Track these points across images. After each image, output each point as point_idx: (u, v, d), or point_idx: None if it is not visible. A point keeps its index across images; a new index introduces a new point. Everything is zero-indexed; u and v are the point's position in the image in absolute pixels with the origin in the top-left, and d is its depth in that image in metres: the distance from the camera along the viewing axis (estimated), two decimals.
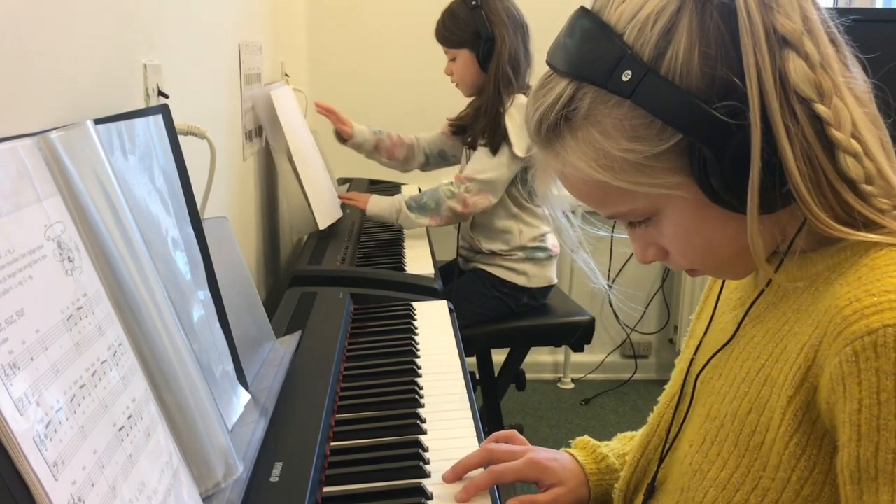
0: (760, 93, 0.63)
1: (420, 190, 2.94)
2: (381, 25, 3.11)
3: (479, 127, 2.21)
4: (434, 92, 3.12)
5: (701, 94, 0.64)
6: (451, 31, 2.23)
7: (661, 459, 0.86)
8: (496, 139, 2.15)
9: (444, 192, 2.21)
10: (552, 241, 2.33)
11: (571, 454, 1.02)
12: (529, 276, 2.30)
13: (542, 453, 1.00)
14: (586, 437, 1.05)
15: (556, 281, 2.38)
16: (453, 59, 2.27)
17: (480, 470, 0.97)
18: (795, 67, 0.64)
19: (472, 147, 2.26)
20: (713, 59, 0.64)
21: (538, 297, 2.35)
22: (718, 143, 0.64)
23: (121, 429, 0.65)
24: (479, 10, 2.15)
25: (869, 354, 0.59)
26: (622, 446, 1.04)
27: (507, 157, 2.16)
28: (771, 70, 0.63)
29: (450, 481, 0.97)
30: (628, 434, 1.06)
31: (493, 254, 2.31)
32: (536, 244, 2.30)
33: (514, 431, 1.06)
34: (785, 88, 0.64)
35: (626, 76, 0.65)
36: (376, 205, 2.24)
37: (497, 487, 0.96)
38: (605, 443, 1.04)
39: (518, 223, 2.29)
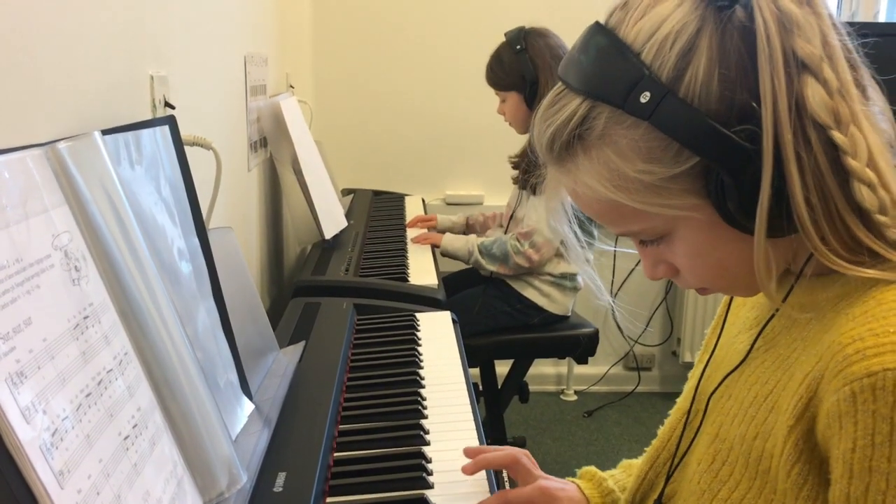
0: (774, 119, 0.62)
1: (423, 201, 2.97)
2: (386, 38, 3.12)
3: (525, 165, 2.25)
4: (436, 106, 3.14)
5: (719, 117, 0.63)
6: (497, 75, 2.29)
7: (669, 475, 0.85)
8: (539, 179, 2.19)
9: (511, 247, 2.28)
10: (581, 279, 2.36)
11: (578, 485, 1.02)
12: (551, 298, 2.33)
13: (551, 482, 1.00)
14: (593, 469, 1.04)
15: (570, 314, 2.39)
16: (504, 101, 2.32)
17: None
18: (813, 93, 0.62)
19: (523, 187, 2.32)
20: (732, 82, 0.63)
21: (549, 323, 2.36)
22: (736, 168, 0.63)
23: (126, 437, 0.65)
24: (523, 53, 2.21)
25: (867, 396, 0.59)
26: (626, 477, 1.03)
27: None
28: (787, 95, 0.62)
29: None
30: (633, 462, 1.06)
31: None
32: (565, 275, 2.33)
33: (526, 451, 1.06)
34: (801, 115, 0.62)
35: (645, 98, 0.64)
36: (451, 244, 2.39)
37: None
38: (610, 472, 1.04)
39: (557, 255, 2.32)
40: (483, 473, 1.03)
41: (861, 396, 0.59)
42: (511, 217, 2.43)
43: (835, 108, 0.63)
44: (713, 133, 0.63)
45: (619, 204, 0.68)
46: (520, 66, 2.21)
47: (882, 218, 0.63)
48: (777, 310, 0.76)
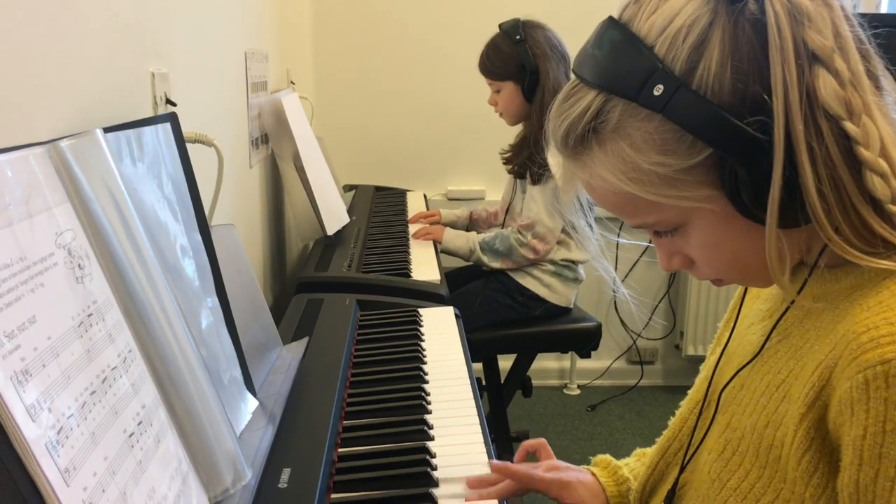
0: (786, 110, 0.62)
1: (425, 197, 2.96)
2: (386, 34, 3.12)
3: (525, 156, 2.25)
4: (437, 101, 3.14)
5: (732, 108, 0.63)
6: (495, 65, 2.27)
7: (683, 467, 0.85)
8: (541, 168, 2.19)
9: (514, 240, 2.27)
10: (582, 270, 2.36)
11: (593, 473, 1.03)
12: (552, 289, 2.32)
13: (569, 472, 1.02)
14: (608, 457, 1.05)
15: (572, 305, 2.39)
16: (497, 91, 2.31)
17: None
18: (825, 84, 0.63)
19: (520, 176, 2.32)
20: (745, 74, 0.63)
21: (552, 315, 2.35)
22: (748, 159, 0.63)
23: (131, 435, 0.65)
24: (523, 43, 2.20)
25: (879, 384, 0.59)
26: (640, 466, 1.04)
27: (555, 189, 2.20)
28: (798, 87, 0.62)
29: (472, 486, 0.99)
30: (647, 451, 1.06)
31: None
32: (566, 263, 2.33)
33: (544, 441, 1.07)
34: (812, 106, 0.63)
35: (658, 90, 0.64)
36: (451, 242, 2.38)
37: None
38: (625, 461, 1.05)
39: (557, 242, 2.32)
40: (487, 470, 1.03)
41: (874, 384, 0.59)
42: (507, 210, 2.43)
43: (847, 98, 0.63)
44: (725, 124, 0.63)
45: (635, 196, 0.69)
46: (519, 56, 2.21)
47: (894, 208, 0.64)
48: (792, 302, 0.76)
